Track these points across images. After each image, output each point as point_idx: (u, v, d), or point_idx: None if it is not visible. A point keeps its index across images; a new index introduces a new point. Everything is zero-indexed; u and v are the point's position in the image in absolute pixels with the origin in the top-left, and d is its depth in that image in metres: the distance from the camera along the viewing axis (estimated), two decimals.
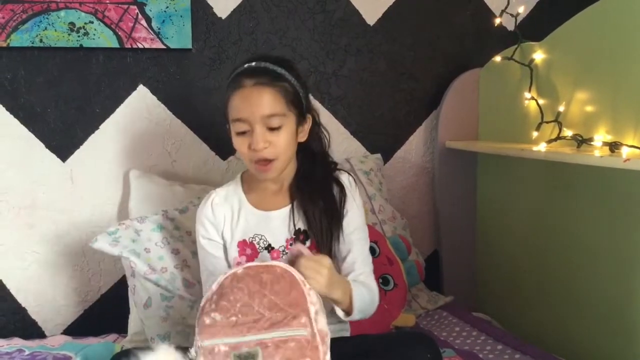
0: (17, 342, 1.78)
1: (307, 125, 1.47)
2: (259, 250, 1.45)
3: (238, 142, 1.40)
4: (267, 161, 1.39)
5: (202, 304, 1.24)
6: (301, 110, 1.43)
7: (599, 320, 1.64)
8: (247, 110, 1.36)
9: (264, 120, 1.36)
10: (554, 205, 1.79)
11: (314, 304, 1.20)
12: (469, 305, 2.00)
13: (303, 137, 1.46)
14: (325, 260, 1.29)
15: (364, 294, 1.42)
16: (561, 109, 1.71)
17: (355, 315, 1.38)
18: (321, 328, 1.18)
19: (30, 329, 1.91)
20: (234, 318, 1.18)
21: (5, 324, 1.91)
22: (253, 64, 1.41)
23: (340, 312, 1.38)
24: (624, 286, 1.55)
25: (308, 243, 1.46)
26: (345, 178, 1.51)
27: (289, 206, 1.47)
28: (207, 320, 1.19)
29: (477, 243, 2.19)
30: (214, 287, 1.24)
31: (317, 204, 1.45)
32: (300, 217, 1.47)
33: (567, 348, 1.67)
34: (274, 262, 1.26)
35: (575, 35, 1.70)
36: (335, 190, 1.48)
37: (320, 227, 1.44)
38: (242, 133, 1.38)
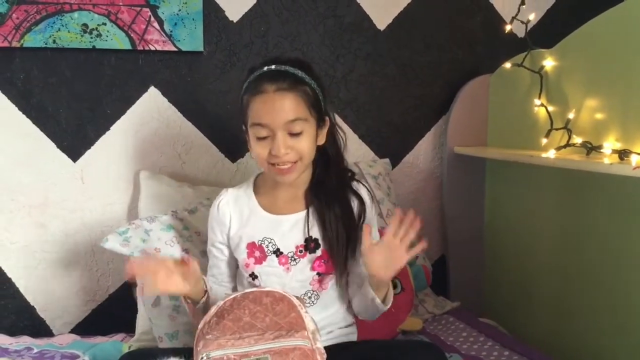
0: (25, 340, 1.80)
1: (326, 128, 1.45)
2: (267, 254, 1.45)
3: (258, 148, 1.38)
4: (288, 165, 1.37)
5: (200, 326, 1.26)
6: (321, 113, 1.42)
7: (607, 326, 1.63)
8: (269, 116, 1.34)
9: (286, 126, 1.34)
10: (562, 212, 1.80)
11: (310, 325, 1.24)
12: (476, 311, 1.99)
13: (322, 140, 1.45)
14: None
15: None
16: (571, 116, 1.72)
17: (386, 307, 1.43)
18: (319, 347, 1.22)
19: (38, 328, 1.93)
20: (238, 334, 1.20)
21: (14, 322, 1.92)
22: (273, 67, 1.38)
23: (373, 293, 1.41)
24: (634, 292, 1.54)
25: (319, 252, 1.45)
26: (364, 192, 1.49)
27: (303, 212, 1.46)
28: (211, 337, 1.21)
29: (484, 249, 2.20)
30: (213, 310, 1.27)
31: (334, 212, 1.43)
32: (314, 224, 1.45)
33: (574, 354, 1.67)
34: (272, 288, 1.31)
35: (585, 42, 1.70)
36: (354, 202, 1.47)
37: (336, 234, 1.42)
38: (263, 138, 1.37)
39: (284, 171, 1.38)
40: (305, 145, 1.37)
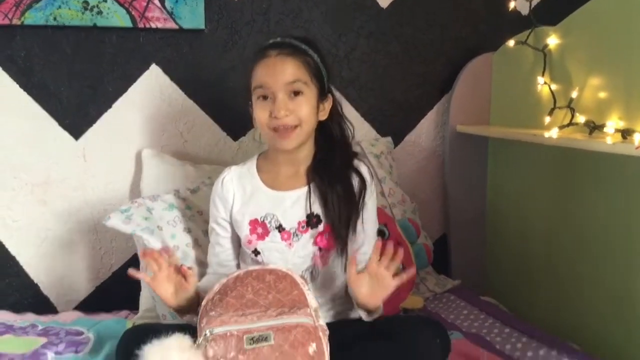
0: (30, 317, 1.81)
1: (328, 105, 1.48)
2: (269, 230, 1.46)
3: (259, 111, 1.41)
4: (288, 129, 1.40)
5: (203, 303, 1.27)
6: (323, 86, 1.45)
7: (608, 306, 1.64)
8: (270, 77, 1.38)
9: (286, 87, 1.39)
10: (564, 191, 1.80)
11: (313, 303, 1.25)
12: (477, 290, 2.01)
13: (323, 116, 1.47)
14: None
15: None
16: (574, 94, 1.71)
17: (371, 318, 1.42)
18: (321, 324, 1.23)
19: (42, 305, 1.94)
20: (241, 311, 1.21)
21: (18, 299, 1.93)
22: (278, 39, 1.45)
23: (363, 314, 1.41)
24: (635, 272, 1.55)
25: (321, 227, 1.46)
26: (365, 170, 1.50)
27: (305, 188, 1.47)
28: (215, 313, 1.22)
29: (486, 227, 2.20)
30: (216, 287, 1.28)
31: (336, 188, 1.45)
32: (315, 200, 1.47)
33: (575, 332, 1.68)
34: (275, 266, 1.32)
35: (590, 20, 1.69)
36: (355, 180, 1.48)
37: (338, 213, 1.44)
38: (264, 98, 1.40)
39: (283, 135, 1.40)
40: (305, 110, 1.40)
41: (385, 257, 1.29)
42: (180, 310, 1.40)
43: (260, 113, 1.41)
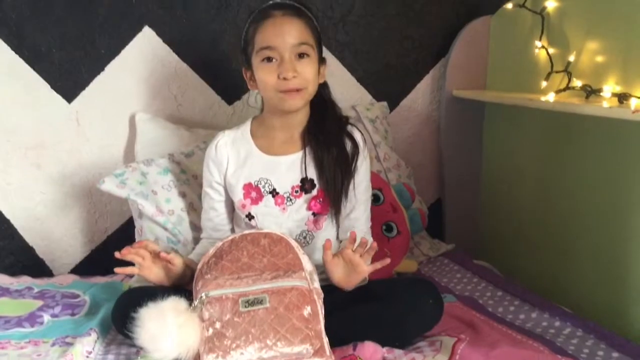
0: (26, 280, 1.82)
1: (324, 70, 1.49)
2: (263, 194, 1.47)
3: (265, 73, 1.40)
4: (295, 90, 1.40)
5: (199, 266, 1.28)
6: (321, 50, 1.46)
7: (601, 270, 1.66)
8: (278, 38, 1.37)
9: (294, 48, 1.38)
10: (560, 156, 1.80)
11: (308, 266, 1.26)
12: (471, 253, 2.02)
13: (322, 79, 1.49)
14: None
15: None
16: (571, 58, 1.70)
17: None
18: (316, 287, 1.24)
19: (38, 268, 1.95)
20: (236, 275, 1.22)
21: (14, 262, 1.94)
22: (278, 0, 1.44)
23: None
24: (628, 237, 1.56)
25: (315, 192, 1.47)
26: (358, 135, 1.51)
27: (299, 153, 1.48)
28: (210, 277, 1.23)
29: (480, 192, 2.21)
30: (212, 251, 1.28)
31: (331, 152, 1.45)
32: (310, 164, 1.47)
33: (568, 296, 1.70)
34: (270, 230, 1.32)
35: None
36: (348, 145, 1.49)
37: (333, 176, 1.44)
38: (269, 60, 1.39)
39: (291, 95, 1.40)
40: (311, 72, 1.41)
41: (361, 247, 1.30)
42: (180, 284, 1.41)
43: (266, 76, 1.40)
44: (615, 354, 1.29)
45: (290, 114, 1.45)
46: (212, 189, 1.53)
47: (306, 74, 1.40)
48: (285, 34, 1.38)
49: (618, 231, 1.59)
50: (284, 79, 1.38)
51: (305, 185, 1.46)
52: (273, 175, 1.47)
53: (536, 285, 1.78)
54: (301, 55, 1.40)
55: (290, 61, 1.38)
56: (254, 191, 1.47)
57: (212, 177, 1.52)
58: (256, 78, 1.44)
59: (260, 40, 1.40)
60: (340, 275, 1.35)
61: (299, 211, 1.46)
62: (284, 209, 1.47)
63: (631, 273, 1.55)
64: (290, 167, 1.48)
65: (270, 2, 1.44)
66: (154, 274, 1.38)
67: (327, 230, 1.51)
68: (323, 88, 1.51)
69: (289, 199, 1.47)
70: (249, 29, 1.44)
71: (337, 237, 1.54)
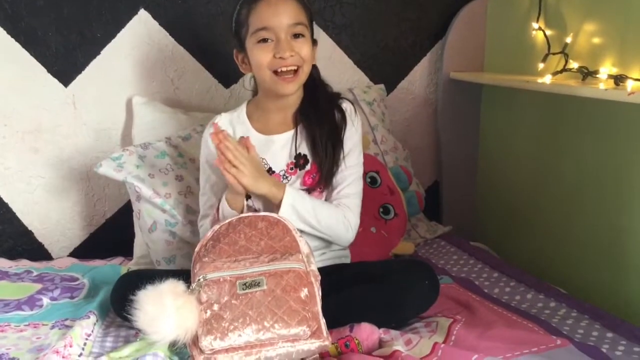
0: (25, 264, 1.83)
1: (316, 50, 1.50)
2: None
3: (261, 54, 1.41)
4: (291, 74, 1.41)
5: (197, 249, 1.28)
6: (312, 32, 1.47)
7: (596, 251, 1.67)
8: (274, 18, 1.39)
9: (290, 28, 1.39)
10: (557, 138, 1.80)
11: (305, 248, 1.27)
12: (467, 235, 2.03)
13: (314, 60, 1.49)
14: (252, 154, 1.37)
15: (323, 204, 1.45)
16: (568, 40, 1.69)
17: (289, 212, 1.39)
18: (313, 269, 1.24)
19: (37, 251, 1.96)
20: (233, 257, 1.23)
21: (12, 246, 1.95)
22: None
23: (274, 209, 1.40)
24: (623, 218, 1.57)
25: (308, 167, 1.48)
26: (347, 106, 1.53)
27: (292, 131, 1.50)
28: (208, 259, 1.23)
29: (477, 175, 2.21)
30: (209, 234, 1.29)
31: (323, 128, 1.47)
32: (303, 141, 1.49)
33: (563, 277, 1.71)
34: (267, 213, 1.32)
35: None
36: (337, 117, 1.51)
37: (325, 151, 1.46)
38: (265, 41, 1.40)
39: (287, 79, 1.41)
40: (307, 50, 1.42)
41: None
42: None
43: (262, 56, 1.41)
44: (609, 334, 1.30)
45: (285, 97, 1.46)
46: (209, 167, 1.52)
47: (302, 53, 1.41)
48: (281, 15, 1.39)
49: (613, 212, 1.60)
50: (281, 58, 1.38)
51: (300, 161, 1.48)
52: (268, 154, 1.49)
53: (532, 267, 1.79)
54: (297, 36, 1.41)
55: (286, 41, 1.39)
56: None
57: (211, 156, 1.51)
58: (250, 60, 1.45)
59: (255, 21, 1.40)
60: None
61: (294, 187, 1.47)
62: None
63: (626, 254, 1.57)
64: (284, 145, 1.49)
65: None
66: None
67: None
68: (314, 68, 1.52)
69: (284, 177, 1.49)
70: (241, 11, 1.44)
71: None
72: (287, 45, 1.39)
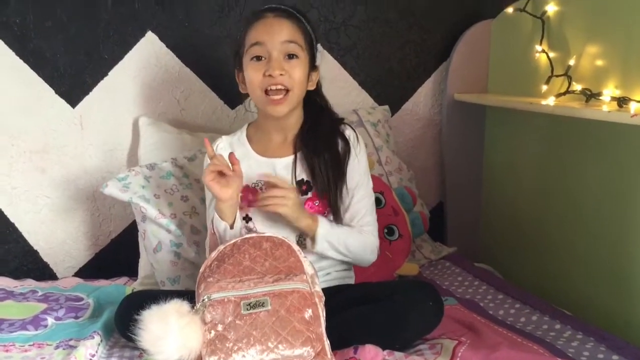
0: (30, 283, 1.84)
1: (316, 77, 1.51)
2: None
3: (252, 71, 1.42)
4: (281, 95, 1.41)
5: (201, 269, 1.28)
6: (313, 56, 1.47)
7: (600, 273, 1.66)
8: (267, 35, 1.40)
9: (283, 46, 1.40)
10: (561, 160, 1.80)
11: (309, 269, 1.27)
12: (472, 257, 2.03)
13: (312, 86, 1.50)
14: (292, 191, 1.39)
15: (350, 233, 1.48)
16: (571, 62, 1.70)
17: (325, 246, 1.44)
18: (317, 290, 1.24)
19: (42, 271, 1.96)
20: (238, 278, 1.23)
21: (18, 265, 1.95)
22: (273, 5, 1.46)
23: (309, 243, 1.44)
24: (627, 240, 1.57)
25: (310, 194, 1.48)
26: (350, 133, 1.53)
27: (292, 156, 1.50)
28: (212, 280, 1.23)
29: (482, 196, 2.21)
30: (214, 254, 1.29)
31: (322, 156, 1.47)
32: (303, 168, 1.49)
33: (567, 299, 1.71)
34: (272, 234, 1.32)
35: None
36: (340, 144, 1.51)
37: (326, 179, 1.46)
38: (258, 58, 1.41)
39: (276, 101, 1.42)
40: (299, 73, 1.42)
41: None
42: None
43: (253, 74, 1.42)
44: (615, 357, 1.29)
45: (282, 118, 1.47)
46: None
47: (293, 74, 1.41)
48: (275, 32, 1.40)
49: (618, 234, 1.60)
50: (270, 75, 1.39)
51: (302, 187, 1.48)
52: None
53: (537, 288, 1.78)
54: (290, 56, 1.42)
55: (277, 59, 1.40)
56: (251, 193, 1.48)
57: None
58: (245, 79, 1.46)
59: (250, 38, 1.43)
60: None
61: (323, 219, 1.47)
62: None
63: (631, 276, 1.56)
64: (285, 169, 1.50)
65: (266, 6, 1.47)
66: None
67: None
68: (317, 95, 1.53)
69: None
70: (242, 31, 1.47)
71: None
72: (277, 63, 1.40)
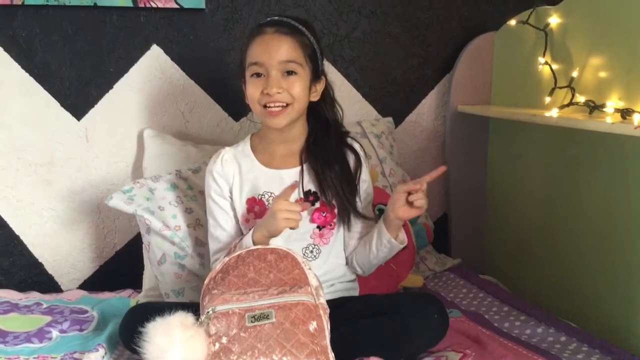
0: (35, 296, 1.84)
1: (320, 87, 1.50)
2: (267, 208, 1.48)
3: (251, 87, 1.44)
4: (279, 107, 1.42)
5: (206, 281, 1.28)
6: (316, 67, 1.47)
7: (606, 285, 1.66)
8: (265, 54, 1.40)
9: (281, 65, 1.41)
10: (565, 171, 1.80)
11: (314, 281, 1.27)
12: (477, 268, 2.02)
13: (315, 97, 1.49)
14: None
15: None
16: (575, 74, 1.71)
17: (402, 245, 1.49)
18: (322, 302, 1.24)
19: (47, 284, 1.96)
20: (242, 290, 1.23)
21: (23, 278, 1.96)
22: (275, 18, 1.46)
23: (394, 241, 1.47)
24: (633, 252, 1.56)
25: (317, 204, 1.48)
26: (358, 146, 1.54)
27: (299, 167, 1.50)
28: (217, 292, 1.23)
29: (486, 207, 2.21)
30: (218, 267, 1.29)
31: (333, 168, 1.47)
32: (311, 179, 1.49)
33: (573, 311, 1.70)
34: (277, 245, 1.32)
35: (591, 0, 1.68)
36: (351, 158, 1.52)
37: (335, 191, 1.46)
38: (257, 75, 1.42)
39: (274, 114, 1.43)
40: (298, 89, 1.42)
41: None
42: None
43: (252, 90, 1.43)
44: None
45: (284, 129, 1.47)
46: (224, 199, 1.52)
47: (292, 90, 1.42)
48: (273, 52, 1.40)
49: (622, 245, 1.59)
50: (267, 94, 1.41)
51: (309, 198, 1.49)
52: (276, 188, 1.49)
53: (542, 300, 1.78)
54: (289, 73, 1.42)
55: (275, 77, 1.40)
56: (257, 205, 1.48)
57: (222, 189, 1.52)
58: (246, 92, 1.48)
59: (250, 55, 1.44)
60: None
61: (303, 223, 1.47)
62: None
63: (637, 288, 1.55)
64: (292, 180, 1.49)
65: (268, 19, 1.47)
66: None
67: (334, 245, 1.52)
68: (324, 105, 1.53)
69: None
70: (245, 44, 1.48)
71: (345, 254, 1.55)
72: (275, 82, 1.40)
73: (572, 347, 1.41)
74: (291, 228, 1.37)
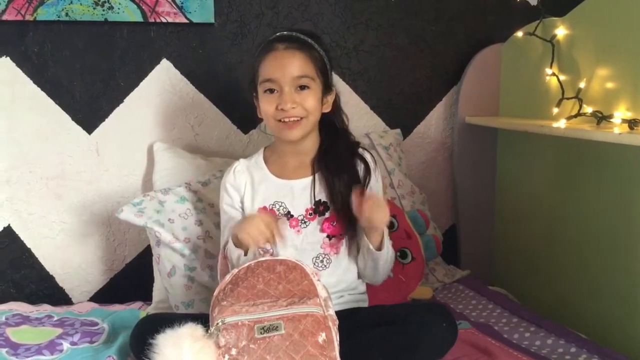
0: (46, 308, 1.85)
1: (331, 98, 1.53)
2: (278, 217, 1.49)
3: (265, 103, 1.46)
4: (294, 121, 1.44)
5: (215, 293, 1.29)
6: (327, 80, 1.50)
7: (615, 296, 1.65)
8: (279, 71, 1.43)
9: (294, 80, 1.43)
10: (573, 182, 1.80)
11: (322, 293, 1.27)
12: (486, 280, 2.02)
13: (327, 108, 1.52)
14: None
15: (391, 251, 1.51)
16: (582, 85, 1.71)
17: (382, 256, 1.47)
18: (331, 313, 1.24)
19: (58, 296, 1.98)
20: (252, 301, 1.23)
21: (34, 290, 1.97)
22: (285, 32, 1.49)
23: (372, 248, 1.46)
24: None
25: (328, 214, 1.49)
26: (369, 157, 1.56)
27: (311, 177, 1.52)
28: (226, 303, 1.24)
29: (495, 218, 2.21)
30: (228, 278, 1.29)
31: (342, 178, 1.49)
32: (322, 189, 1.50)
33: (582, 322, 1.69)
34: (286, 256, 1.32)
35: (598, 11, 1.69)
36: (360, 167, 1.53)
37: (345, 200, 1.47)
38: (270, 91, 1.44)
39: (289, 125, 1.45)
40: (312, 102, 1.45)
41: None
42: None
43: (266, 106, 1.46)
44: None
45: (297, 141, 1.49)
46: (235, 210, 1.54)
47: (305, 105, 1.45)
48: (285, 68, 1.43)
49: (632, 256, 1.59)
50: (282, 109, 1.43)
51: (319, 207, 1.50)
52: (287, 198, 1.51)
53: (551, 311, 1.77)
54: (302, 87, 1.45)
55: (289, 93, 1.43)
56: (268, 214, 1.49)
57: (234, 200, 1.54)
58: (259, 107, 1.50)
59: (262, 72, 1.46)
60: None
61: (313, 233, 1.49)
62: (298, 231, 1.49)
63: None
64: (303, 190, 1.51)
65: (278, 34, 1.50)
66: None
67: (345, 255, 1.53)
68: (334, 116, 1.55)
69: (302, 222, 1.50)
70: (256, 60, 1.50)
71: (353, 260, 1.55)
72: (289, 97, 1.43)
73: (582, 358, 1.40)
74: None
